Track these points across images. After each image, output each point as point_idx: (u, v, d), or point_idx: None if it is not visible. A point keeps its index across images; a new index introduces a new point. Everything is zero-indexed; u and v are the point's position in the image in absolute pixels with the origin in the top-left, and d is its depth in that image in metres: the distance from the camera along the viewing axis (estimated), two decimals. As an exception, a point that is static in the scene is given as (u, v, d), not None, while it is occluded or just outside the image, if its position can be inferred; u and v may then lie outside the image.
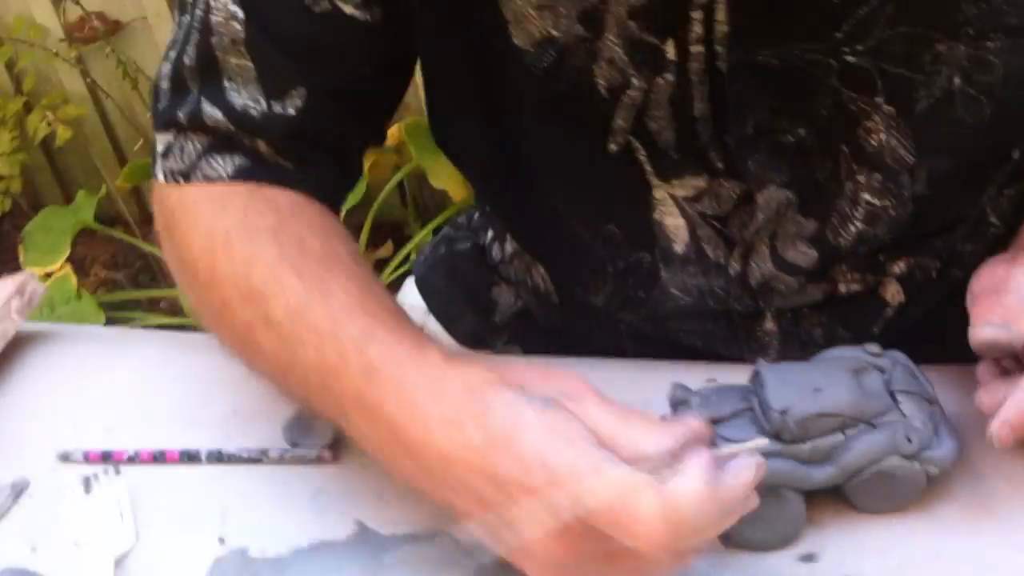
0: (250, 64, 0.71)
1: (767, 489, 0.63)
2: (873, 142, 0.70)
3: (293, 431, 0.78)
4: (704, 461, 0.55)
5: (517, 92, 0.73)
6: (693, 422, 0.59)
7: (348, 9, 0.70)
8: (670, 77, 0.68)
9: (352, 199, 1.93)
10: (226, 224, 0.70)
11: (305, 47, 0.72)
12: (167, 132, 0.75)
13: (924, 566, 0.64)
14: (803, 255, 0.76)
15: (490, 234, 0.99)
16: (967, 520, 0.66)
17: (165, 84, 0.75)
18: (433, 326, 1.02)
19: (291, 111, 0.72)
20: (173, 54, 0.74)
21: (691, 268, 0.78)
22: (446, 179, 1.85)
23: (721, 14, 0.65)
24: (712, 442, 0.62)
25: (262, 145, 0.73)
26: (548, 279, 0.89)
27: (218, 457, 0.78)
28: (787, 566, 0.65)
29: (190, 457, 0.78)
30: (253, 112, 0.72)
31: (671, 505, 0.52)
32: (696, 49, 0.67)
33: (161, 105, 0.75)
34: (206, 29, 0.72)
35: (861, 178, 0.72)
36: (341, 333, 0.64)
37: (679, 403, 0.68)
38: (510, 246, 0.93)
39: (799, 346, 0.79)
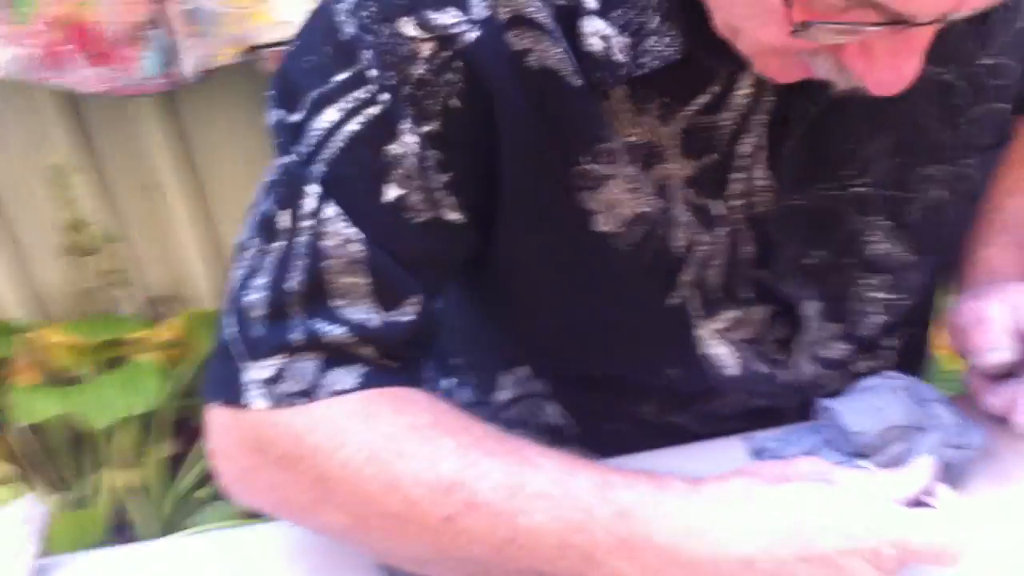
0: (365, 281, 0.75)
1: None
2: (877, 251, 0.86)
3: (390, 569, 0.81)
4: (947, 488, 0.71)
5: (591, 273, 0.82)
6: (927, 461, 0.73)
7: (449, 215, 0.77)
8: (725, 230, 0.82)
9: (152, 403, 1.90)
10: (385, 430, 0.72)
11: (417, 257, 0.77)
12: (273, 357, 0.74)
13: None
14: (842, 350, 0.91)
15: (451, 381, 1.07)
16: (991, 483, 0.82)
17: (259, 312, 0.75)
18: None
19: (408, 318, 0.77)
20: (263, 282, 0.75)
21: (743, 384, 0.90)
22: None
23: (758, 173, 0.80)
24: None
25: (369, 351, 0.76)
26: (567, 414, 0.98)
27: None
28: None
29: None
30: (372, 324, 0.75)
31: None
32: (736, 203, 0.81)
33: (257, 333, 0.75)
34: (316, 254, 0.74)
35: (872, 281, 0.88)
36: (573, 491, 0.68)
37: (759, 452, 0.81)
38: (505, 393, 1.01)
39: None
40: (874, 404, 0.80)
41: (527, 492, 0.69)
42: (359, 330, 0.75)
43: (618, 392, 0.93)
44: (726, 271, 0.84)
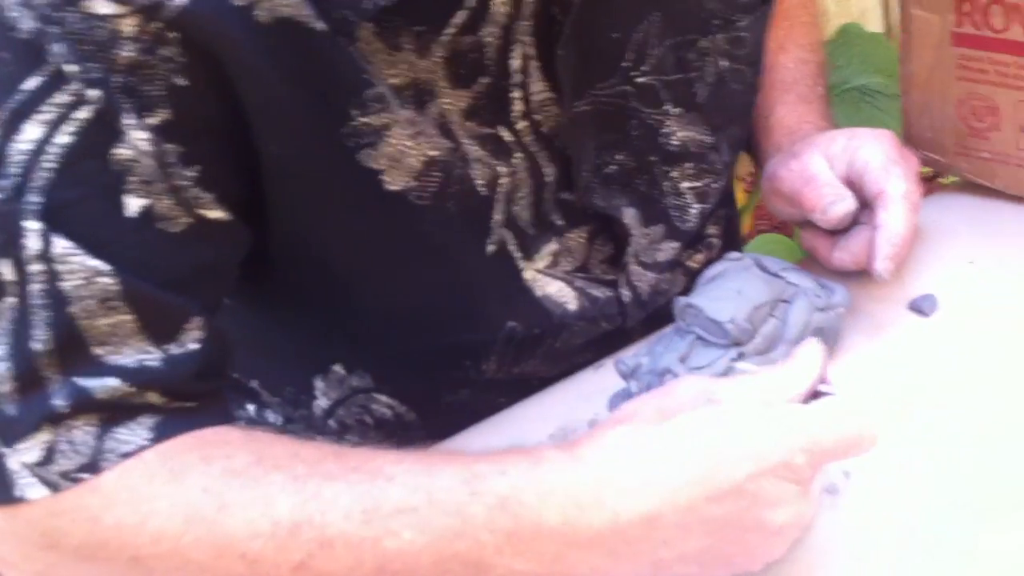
0: (127, 318, 0.62)
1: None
2: (675, 142, 0.80)
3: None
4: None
5: (398, 239, 0.73)
6: (813, 347, 0.67)
7: (210, 215, 0.65)
8: (520, 155, 0.73)
9: None
10: (198, 484, 0.59)
11: (185, 273, 0.64)
12: (37, 435, 0.60)
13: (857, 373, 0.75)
14: (671, 250, 0.85)
15: (249, 409, 0.93)
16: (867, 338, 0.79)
17: (5, 388, 0.60)
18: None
19: (193, 346, 0.64)
20: (1, 351, 0.60)
21: (587, 314, 0.83)
22: None
23: (536, 87, 0.72)
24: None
25: (153, 396, 0.62)
26: (397, 402, 0.87)
27: None
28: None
29: None
30: (153, 364, 0.62)
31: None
32: (522, 125, 0.72)
33: (9, 413, 0.60)
34: (58, 301, 0.60)
35: (675, 173, 0.82)
36: (438, 495, 0.58)
37: (632, 371, 0.73)
38: (323, 401, 0.88)
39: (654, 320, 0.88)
40: (732, 289, 0.74)
41: (386, 510, 0.58)
42: (137, 376, 0.61)
43: (452, 361, 0.83)
44: (533, 201, 0.76)
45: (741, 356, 0.71)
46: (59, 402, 0.60)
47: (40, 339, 0.60)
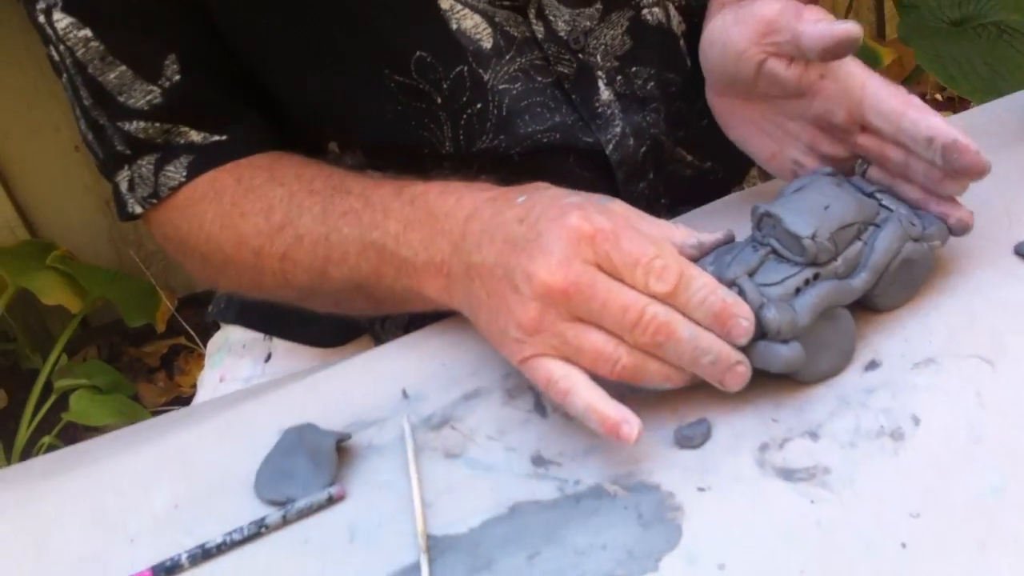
0: (123, 68, 0.77)
1: (823, 316, 0.64)
2: None
3: (272, 486, 0.67)
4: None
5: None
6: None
7: None
8: None
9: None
10: (230, 200, 0.78)
11: (148, 22, 0.76)
12: (121, 171, 0.82)
13: (946, 318, 0.68)
14: None
15: None
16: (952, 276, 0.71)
17: (90, 136, 0.81)
18: (282, 347, 0.97)
19: (176, 77, 0.78)
20: (78, 110, 0.81)
21: (505, 56, 0.80)
22: (59, 292, 1.65)
23: None
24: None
25: (193, 135, 0.80)
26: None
27: (206, 554, 0.64)
28: (860, 379, 0.66)
29: (168, 570, 0.63)
30: (157, 101, 0.78)
31: None
32: None
33: (101, 154, 0.82)
34: (79, 67, 0.77)
35: None
36: (374, 199, 0.72)
37: (696, 278, 0.67)
38: None
39: (638, 106, 0.86)
40: (818, 202, 0.67)
41: (336, 212, 0.73)
42: (153, 114, 0.78)
43: (408, 120, 0.81)
44: None
45: (816, 278, 0.65)
46: (119, 145, 0.80)
47: (86, 96, 0.79)
